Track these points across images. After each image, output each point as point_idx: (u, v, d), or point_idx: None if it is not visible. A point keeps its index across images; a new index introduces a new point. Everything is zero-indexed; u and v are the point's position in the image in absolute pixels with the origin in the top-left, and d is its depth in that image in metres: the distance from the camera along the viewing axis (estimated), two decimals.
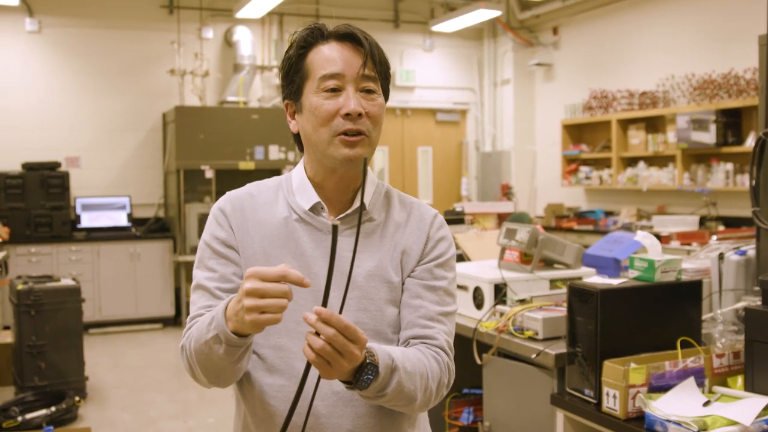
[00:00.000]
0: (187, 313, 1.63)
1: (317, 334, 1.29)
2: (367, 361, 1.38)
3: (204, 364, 1.50)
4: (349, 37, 1.58)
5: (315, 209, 1.63)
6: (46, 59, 8.68)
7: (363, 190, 1.45)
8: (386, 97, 1.65)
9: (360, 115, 1.55)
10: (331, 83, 1.55)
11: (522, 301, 3.05)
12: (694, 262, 2.81)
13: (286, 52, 1.62)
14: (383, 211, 1.68)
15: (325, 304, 1.30)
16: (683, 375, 2.24)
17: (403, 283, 1.65)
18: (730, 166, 7.30)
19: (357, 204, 1.64)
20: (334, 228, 1.29)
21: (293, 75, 1.61)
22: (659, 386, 2.21)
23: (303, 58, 1.59)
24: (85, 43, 8.81)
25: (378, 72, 1.59)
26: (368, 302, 1.60)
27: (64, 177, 8.19)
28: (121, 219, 8.72)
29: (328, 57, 1.56)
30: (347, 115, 1.54)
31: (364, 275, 1.60)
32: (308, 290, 1.57)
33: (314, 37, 1.59)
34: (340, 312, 1.32)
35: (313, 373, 1.33)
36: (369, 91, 1.58)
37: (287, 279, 1.30)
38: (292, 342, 1.57)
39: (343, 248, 1.57)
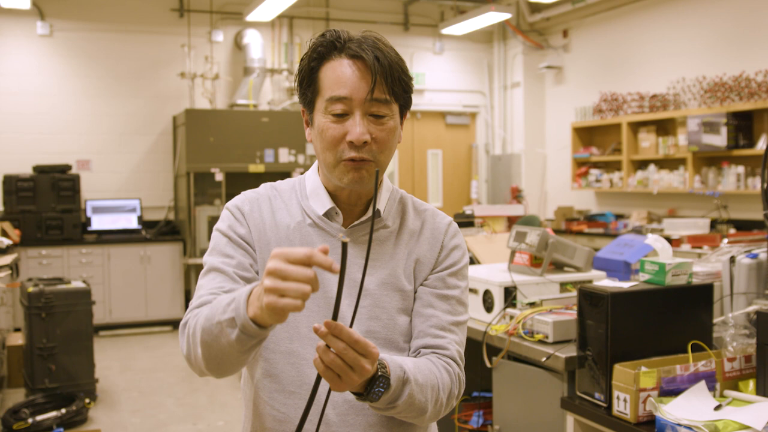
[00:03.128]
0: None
1: (328, 346, 1.26)
2: (379, 373, 1.36)
3: (209, 346, 1.38)
4: (360, 57, 1.52)
5: (329, 214, 1.62)
6: (57, 63, 8.72)
7: (375, 200, 1.42)
8: (408, 106, 1.62)
9: (366, 142, 1.51)
10: (338, 108, 1.51)
11: (532, 305, 3.04)
12: (705, 266, 2.80)
13: (301, 61, 1.59)
14: (398, 218, 1.67)
15: (335, 317, 1.27)
16: (694, 379, 2.22)
17: (415, 292, 1.64)
18: (741, 168, 7.26)
19: (371, 212, 1.62)
20: (344, 245, 1.25)
21: (306, 88, 1.58)
22: (670, 390, 2.20)
23: (315, 72, 1.55)
24: (96, 46, 8.85)
25: (392, 92, 1.54)
26: (380, 311, 1.59)
27: (75, 180, 8.22)
28: (131, 222, 8.75)
29: (338, 77, 1.52)
30: (352, 143, 1.51)
31: (376, 283, 1.59)
32: (321, 298, 1.56)
33: (328, 49, 1.55)
34: (352, 323, 1.30)
35: (324, 382, 1.31)
36: (378, 116, 1.54)
37: (313, 261, 1.19)
38: (303, 348, 1.56)
39: (356, 255, 1.56)
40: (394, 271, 1.61)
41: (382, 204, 1.64)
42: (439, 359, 1.57)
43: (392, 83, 1.53)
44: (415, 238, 1.66)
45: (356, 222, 1.63)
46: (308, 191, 1.65)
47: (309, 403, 1.30)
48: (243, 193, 1.68)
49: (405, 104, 1.61)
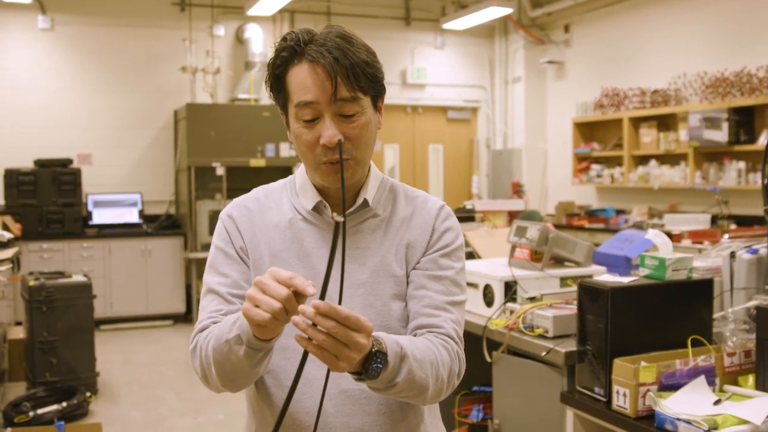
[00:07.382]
0: (198, 311, 1.63)
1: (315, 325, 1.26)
2: (375, 349, 1.34)
3: (221, 364, 1.45)
4: (319, 62, 1.51)
5: (317, 208, 1.63)
6: (58, 57, 8.72)
7: (342, 177, 1.41)
8: (382, 93, 1.60)
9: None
10: (307, 113, 1.52)
11: (532, 299, 3.05)
12: (706, 261, 2.80)
13: (268, 67, 1.58)
14: (388, 205, 1.68)
15: (323, 297, 1.26)
16: (694, 374, 2.23)
17: (408, 276, 1.63)
18: (742, 164, 7.26)
19: (359, 202, 1.63)
20: (337, 225, 1.28)
21: (276, 94, 1.58)
22: (670, 385, 2.20)
23: (282, 78, 1.55)
24: (97, 40, 8.84)
25: (358, 88, 1.52)
26: (374, 298, 1.59)
27: (76, 174, 8.23)
28: (132, 216, 8.75)
29: (302, 83, 1.51)
30: (326, 146, 1.51)
31: (368, 272, 1.60)
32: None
33: (290, 54, 1.53)
34: (340, 301, 1.29)
35: (317, 373, 1.30)
36: (348, 116, 1.53)
37: (291, 282, 1.27)
38: (296, 343, 1.56)
39: (347, 245, 1.57)
40: (384, 258, 1.62)
41: (371, 193, 1.65)
42: (435, 337, 1.56)
43: (355, 80, 1.52)
44: (406, 224, 1.66)
45: (345, 211, 1.62)
46: (298, 188, 1.67)
47: (292, 389, 1.32)
48: (233, 200, 1.72)
49: (377, 93, 1.60)
